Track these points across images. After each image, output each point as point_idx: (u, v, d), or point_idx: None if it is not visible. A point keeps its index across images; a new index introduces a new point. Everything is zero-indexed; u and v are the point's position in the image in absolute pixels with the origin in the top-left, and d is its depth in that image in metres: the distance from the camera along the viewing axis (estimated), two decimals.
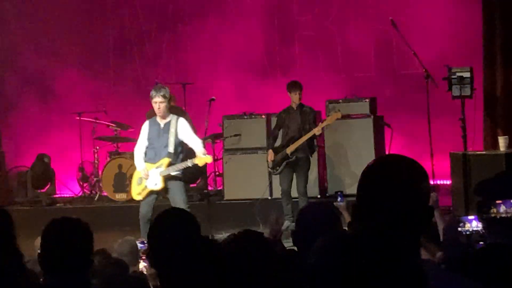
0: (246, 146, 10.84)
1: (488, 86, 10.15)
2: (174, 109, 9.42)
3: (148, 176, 8.19)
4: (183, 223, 3.23)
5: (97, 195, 11.72)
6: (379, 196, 1.98)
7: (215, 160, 11.38)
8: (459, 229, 3.24)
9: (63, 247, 3.14)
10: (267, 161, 9.57)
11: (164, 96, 8.08)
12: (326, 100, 10.82)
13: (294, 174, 9.40)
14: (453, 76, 9.06)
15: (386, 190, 1.98)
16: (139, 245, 5.95)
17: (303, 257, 3.43)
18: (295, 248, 3.96)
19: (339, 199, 6.09)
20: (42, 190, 12.17)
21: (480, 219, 2.65)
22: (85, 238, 3.21)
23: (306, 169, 9.40)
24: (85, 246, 3.20)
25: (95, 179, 11.90)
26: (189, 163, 8.10)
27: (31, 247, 6.12)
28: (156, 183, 8.19)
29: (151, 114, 8.67)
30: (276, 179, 9.99)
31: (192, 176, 11.19)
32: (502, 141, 9.18)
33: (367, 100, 10.69)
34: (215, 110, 11.01)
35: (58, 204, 11.80)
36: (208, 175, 11.44)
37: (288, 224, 9.22)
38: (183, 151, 8.36)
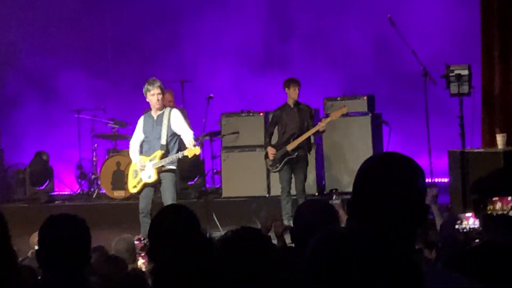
0: (244, 144, 10.84)
1: (486, 83, 10.14)
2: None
3: (144, 168, 8.24)
4: (183, 220, 3.24)
5: (95, 193, 11.73)
6: (374, 193, 1.99)
7: (213, 157, 11.40)
8: (456, 226, 3.24)
9: (60, 243, 3.14)
10: (265, 158, 9.52)
11: (160, 87, 8.16)
12: (324, 97, 10.83)
13: (293, 172, 9.39)
14: (451, 74, 9.06)
15: (382, 187, 1.99)
16: (136, 242, 5.96)
17: (301, 253, 3.43)
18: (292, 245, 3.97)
19: (334, 197, 6.09)
20: (41, 188, 12.17)
21: (477, 216, 2.65)
22: (82, 234, 3.22)
23: (305, 167, 9.40)
24: (82, 242, 3.20)
25: (93, 176, 11.91)
26: (179, 155, 8.15)
27: (29, 244, 6.13)
28: (150, 176, 8.25)
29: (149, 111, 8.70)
30: (274, 177, 9.98)
31: (190, 173, 11.21)
32: (500, 139, 9.18)
33: (365, 97, 10.69)
34: (213, 107, 11.01)
35: (56, 202, 11.81)
36: (206, 172, 11.45)
37: (287, 223, 9.22)
38: (177, 145, 8.37)
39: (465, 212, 3.37)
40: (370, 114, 10.63)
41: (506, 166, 8.20)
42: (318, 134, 9.57)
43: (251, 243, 2.77)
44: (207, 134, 10.77)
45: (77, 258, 3.16)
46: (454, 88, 9.06)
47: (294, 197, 9.34)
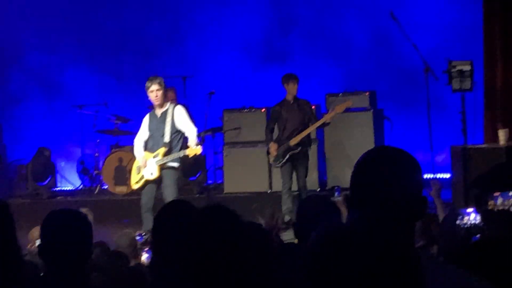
0: (246, 140, 10.84)
1: (488, 79, 10.14)
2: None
3: (146, 164, 8.29)
4: (186, 215, 3.24)
5: (98, 188, 11.74)
6: (371, 187, 1.99)
7: (215, 153, 11.40)
8: (457, 222, 3.24)
9: (62, 238, 3.15)
10: (268, 154, 9.51)
11: (159, 84, 8.20)
12: (326, 93, 10.83)
13: (294, 167, 9.38)
14: (453, 70, 9.04)
15: (378, 181, 1.99)
16: (137, 238, 5.98)
17: (304, 248, 3.44)
18: (294, 242, 3.98)
19: (336, 193, 6.10)
20: (43, 183, 12.19)
21: (478, 211, 2.65)
22: (84, 229, 3.22)
23: (306, 162, 9.40)
24: (84, 238, 3.21)
25: (95, 172, 11.92)
26: (181, 153, 8.20)
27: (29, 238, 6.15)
28: (152, 173, 8.30)
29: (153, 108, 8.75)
30: (275, 173, 9.98)
31: (192, 169, 11.22)
32: (502, 134, 9.18)
33: (367, 93, 10.69)
34: (215, 103, 11.02)
35: (58, 197, 11.84)
36: (208, 168, 11.46)
37: (288, 218, 9.22)
38: (181, 142, 8.41)
39: (466, 207, 3.37)
40: (372, 110, 10.62)
41: (509, 161, 8.20)
42: (322, 126, 9.55)
43: (251, 236, 2.78)
44: (208, 130, 10.76)
45: (79, 254, 3.17)
46: (456, 84, 9.05)
47: (295, 193, 9.35)
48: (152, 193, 8.36)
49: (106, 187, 11.59)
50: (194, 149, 8.10)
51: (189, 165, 11.11)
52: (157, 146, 8.36)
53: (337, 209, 3.80)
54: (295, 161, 9.34)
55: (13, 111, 13.29)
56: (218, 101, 11.19)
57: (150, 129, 8.43)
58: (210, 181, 11.43)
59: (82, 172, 12.25)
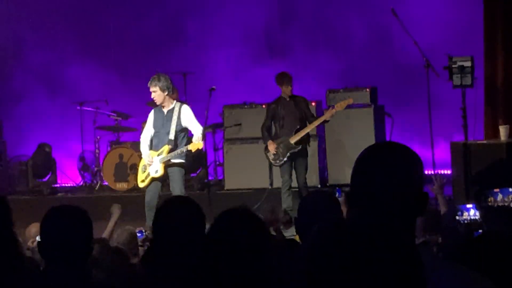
0: (247, 136, 10.84)
1: (489, 75, 10.13)
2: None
3: (151, 162, 8.33)
4: (188, 212, 3.24)
5: (98, 185, 11.75)
6: (372, 183, 1.99)
7: (215, 149, 11.40)
8: (457, 217, 3.24)
9: (62, 235, 3.15)
10: (266, 153, 9.48)
11: (156, 85, 8.23)
12: (327, 89, 10.82)
13: (295, 165, 9.37)
14: (454, 65, 9.04)
15: (379, 177, 1.99)
16: (138, 235, 5.98)
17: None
18: (295, 238, 3.98)
19: (337, 194, 6.09)
20: (43, 180, 12.19)
21: (478, 207, 2.65)
22: (84, 226, 3.22)
23: (306, 160, 9.39)
24: (84, 234, 3.21)
25: (95, 168, 11.92)
26: (183, 149, 8.24)
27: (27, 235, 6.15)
28: (157, 170, 8.34)
29: (153, 103, 8.77)
30: (276, 169, 9.98)
31: (193, 165, 11.22)
32: (502, 130, 9.18)
33: (368, 89, 10.68)
34: (216, 99, 11.00)
35: (59, 194, 11.84)
36: (208, 164, 11.46)
37: (288, 217, 9.20)
38: (186, 139, 8.45)
39: (466, 203, 3.38)
40: (373, 106, 10.62)
41: (509, 158, 8.20)
42: (322, 124, 9.54)
43: (251, 229, 2.78)
44: (209, 126, 10.76)
45: (79, 250, 3.17)
46: (456, 80, 9.05)
47: (294, 190, 9.34)
48: (156, 191, 8.42)
49: (106, 183, 11.59)
50: (196, 143, 8.15)
51: (190, 162, 11.11)
52: (162, 143, 8.40)
53: (338, 205, 3.80)
54: (295, 159, 9.33)
55: (14, 107, 13.29)
56: (219, 97, 11.18)
57: (155, 126, 8.46)
58: (210, 178, 11.43)
59: (83, 169, 12.25)
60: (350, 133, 10.51)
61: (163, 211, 3.29)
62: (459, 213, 3.27)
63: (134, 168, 10.30)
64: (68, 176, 12.68)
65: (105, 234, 6.05)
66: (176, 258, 3.02)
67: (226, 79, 12.26)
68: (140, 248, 5.96)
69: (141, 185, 8.66)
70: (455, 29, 11.51)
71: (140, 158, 8.88)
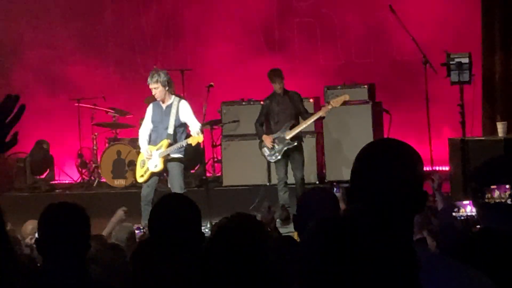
0: (245, 132, 10.83)
1: (486, 71, 10.14)
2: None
3: (151, 157, 8.35)
4: (184, 209, 3.25)
5: (96, 181, 11.74)
6: (372, 180, 1.99)
7: (213, 146, 11.40)
8: (454, 214, 3.24)
9: (60, 231, 3.15)
10: (261, 149, 9.47)
11: (157, 82, 8.22)
12: (325, 86, 10.81)
13: (289, 161, 9.37)
14: (451, 62, 9.05)
15: (379, 174, 1.99)
16: (136, 231, 5.98)
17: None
18: (293, 235, 3.98)
19: (335, 190, 6.09)
20: (41, 176, 12.19)
21: (474, 204, 2.65)
22: (82, 222, 3.22)
23: (302, 155, 9.38)
24: (82, 230, 3.21)
25: (93, 165, 11.92)
26: (183, 143, 8.26)
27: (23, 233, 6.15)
28: (156, 165, 8.36)
29: (150, 100, 8.79)
30: (274, 166, 9.97)
31: (191, 162, 11.21)
32: (500, 127, 9.19)
33: (366, 86, 10.68)
34: (214, 96, 10.99)
35: (57, 190, 11.84)
36: (206, 161, 11.46)
37: (286, 214, 9.20)
38: (185, 134, 8.46)
39: (463, 199, 3.38)
40: (371, 103, 10.61)
41: (506, 154, 8.21)
42: (317, 120, 9.53)
43: (247, 229, 2.79)
44: (207, 123, 10.75)
45: (77, 247, 3.17)
46: (454, 76, 9.06)
47: (291, 186, 9.34)
48: (153, 186, 8.45)
49: (104, 180, 11.59)
50: (196, 137, 8.17)
51: (188, 158, 11.10)
52: (160, 138, 8.41)
53: (337, 201, 3.81)
54: (290, 155, 9.32)
55: (18, 122, 13.26)
56: (217, 94, 11.16)
57: (153, 121, 8.47)
58: (208, 174, 11.43)
59: (81, 165, 12.25)
60: (348, 130, 10.51)
61: (158, 209, 3.30)
62: (456, 209, 3.27)
63: (132, 164, 10.29)
64: (66, 173, 12.68)
65: (104, 233, 6.05)
66: (172, 255, 3.02)
67: (224, 76, 12.25)
68: None
69: (140, 180, 8.67)
70: (453, 25, 11.51)
71: (138, 154, 8.89)
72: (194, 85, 11.70)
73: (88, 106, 12.12)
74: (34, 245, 4.07)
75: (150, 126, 8.53)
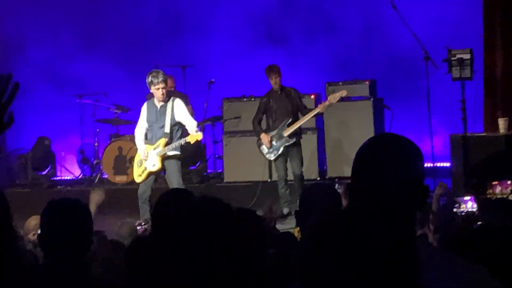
0: (246, 129, 10.81)
1: (488, 68, 10.12)
2: (174, 93, 9.48)
3: (147, 157, 8.32)
4: (185, 204, 3.25)
5: (97, 178, 11.75)
6: (373, 175, 1.99)
7: (214, 142, 11.40)
8: (455, 209, 3.25)
9: (62, 227, 3.16)
10: (259, 146, 9.47)
11: (164, 80, 8.22)
12: (326, 82, 10.81)
13: (288, 158, 9.37)
14: (453, 58, 9.04)
15: (380, 169, 1.99)
16: (138, 228, 5.98)
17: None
18: (293, 231, 3.99)
19: (336, 185, 6.09)
20: (43, 173, 12.20)
21: (476, 200, 2.66)
22: (84, 219, 3.23)
23: (300, 152, 9.37)
24: (84, 226, 3.22)
25: (95, 161, 11.92)
26: (182, 141, 8.25)
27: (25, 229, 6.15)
28: (154, 164, 8.35)
29: (150, 96, 8.76)
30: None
31: (192, 158, 11.22)
32: (502, 123, 9.19)
33: (367, 82, 10.67)
34: (215, 92, 11.00)
35: (58, 187, 11.84)
36: (207, 157, 11.46)
37: (287, 210, 9.21)
38: (180, 131, 8.44)
39: (464, 195, 3.38)
40: (372, 99, 10.61)
41: (508, 150, 8.21)
42: (315, 116, 9.52)
43: (247, 223, 2.80)
44: (208, 119, 10.77)
45: (78, 243, 3.18)
46: (456, 72, 9.04)
47: (291, 182, 9.34)
48: (150, 184, 8.45)
49: (106, 176, 11.60)
50: (195, 135, 8.15)
51: (189, 155, 11.11)
52: (156, 137, 8.39)
53: (339, 197, 3.81)
54: (289, 152, 9.32)
55: (13, 100, 13.27)
56: (218, 90, 11.17)
57: (148, 120, 8.44)
58: (210, 170, 11.44)
59: (82, 162, 12.26)
60: (349, 126, 10.51)
61: (162, 204, 3.30)
62: (457, 205, 3.27)
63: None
64: (68, 169, 12.69)
65: None
66: (176, 250, 3.02)
67: (225, 72, 12.25)
68: None
69: (138, 179, 8.65)
70: (454, 21, 11.50)
71: None
72: (196, 82, 11.71)
73: (90, 102, 12.13)
74: (37, 241, 4.08)
75: (146, 125, 8.51)
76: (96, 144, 12.04)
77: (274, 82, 9.24)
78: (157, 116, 8.37)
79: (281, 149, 9.30)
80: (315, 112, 9.20)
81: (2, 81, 2.01)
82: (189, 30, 13.19)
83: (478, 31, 10.31)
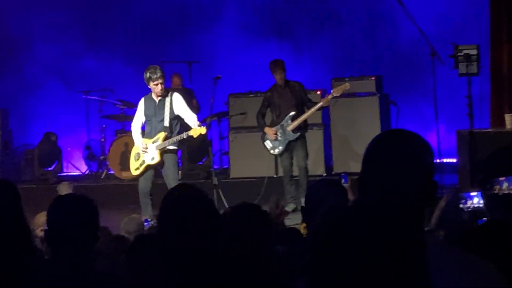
0: (252, 125, 10.81)
1: (495, 63, 10.10)
2: (180, 90, 9.48)
3: (146, 150, 8.30)
4: (195, 198, 3.26)
5: (104, 173, 11.77)
6: (383, 170, 1.98)
7: (221, 138, 11.41)
8: (461, 205, 3.23)
9: (68, 223, 3.16)
10: (265, 141, 9.46)
11: (162, 75, 8.23)
12: (332, 78, 10.80)
13: (294, 153, 9.37)
14: (459, 54, 9.01)
15: (391, 164, 1.98)
16: (145, 223, 5.99)
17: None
18: (299, 227, 3.99)
19: (343, 180, 6.09)
20: (49, 168, 12.22)
21: (483, 196, 2.64)
22: (90, 213, 3.24)
23: (304, 145, 9.35)
24: (90, 222, 3.22)
25: (101, 157, 11.94)
26: (184, 135, 8.23)
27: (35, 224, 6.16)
28: (153, 157, 8.33)
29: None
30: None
31: (198, 154, 11.23)
32: (508, 119, 9.16)
33: (373, 78, 10.66)
34: (221, 88, 10.98)
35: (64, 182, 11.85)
36: (214, 153, 11.46)
37: (293, 206, 9.20)
38: (179, 125, 8.44)
39: (471, 191, 3.37)
40: (378, 95, 10.60)
41: None
42: (319, 110, 9.49)
43: (252, 217, 2.80)
44: (214, 115, 10.76)
45: (85, 238, 3.18)
46: (462, 68, 9.02)
47: (297, 178, 9.34)
48: (149, 178, 8.42)
49: (112, 172, 11.62)
50: (198, 129, 8.12)
51: (195, 150, 11.13)
52: (155, 131, 8.37)
53: (345, 193, 3.81)
54: (293, 146, 9.32)
55: (20, 97, 13.32)
56: (224, 86, 11.16)
57: (146, 115, 8.44)
58: (216, 166, 11.44)
59: (89, 158, 12.28)
60: (356, 122, 10.50)
61: (170, 199, 3.30)
62: (463, 201, 3.26)
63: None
64: (74, 165, 12.71)
65: None
66: (184, 245, 3.03)
67: (231, 68, 12.25)
68: None
69: (135, 173, 8.63)
70: (460, 17, 11.47)
71: None
72: (201, 77, 11.71)
73: (96, 98, 12.15)
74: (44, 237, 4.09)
75: (143, 119, 8.50)
76: (102, 140, 12.05)
77: (279, 77, 9.23)
78: (156, 110, 8.36)
79: (286, 143, 9.28)
80: (319, 106, 9.19)
81: None
82: (195, 25, 13.19)
83: (485, 27, 10.29)
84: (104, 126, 12.10)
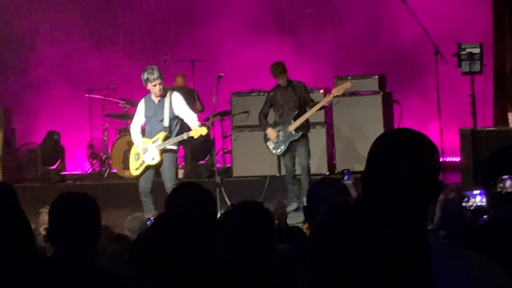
0: (255, 123, 10.80)
1: (498, 62, 10.10)
2: (182, 91, 9.48)
3: (146, 150, 8.30)
4: (200, 196, 3.25)
5: (107, 172, 11.77)
6: (388, 168, 1.98)
7: (223, 137, 11.41)
8: (464, 204, 3.23)
9: (70, 221, 3.17)
10: (267, 141, 9.46)
11: (160, 76, 8.22)
12: (335, 76, 10.79)
13: (296, 152, 9.36)
14: (462, 52, 9.01)
15: (396, 163, 1.98)
16: (148, 222, 5.98)
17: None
18: (302, 227, 3.99)
19: (346, 177, 6.08)
20: (52, 167, 12.23)
21: (486, 194, 2.64)
22: (92, 212, 3.24)
23: (306, 144, 9.34)
24: (92, 220, 3.22)
25: (104, 156, 11.95)
26: (184, 136, 8.22)
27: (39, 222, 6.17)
28: (154, 158, 8.32)
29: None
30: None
31: (201, 153, 11.23)
32: (511, 117, 9.15)
33: (376, 77, 10.65)
34: (224, 87, 10.97)
35: (67, 181, 11.87)
36: (216, 152, 11.46)
37: (296, 205, 9.19)
38: (179, 125, 8.43)
39: (474, 189, 3.37)
40: (381, 93, 10.59)
41: None
42: (321, 109, 9.48)
43: (254, 215, 2.80)
44: (217, 114, 10.76)
45: (87, 237, 3.18)
46: (465, 67, 9.01)
47: (299, 177, 9.33)
48: (150, 178, 8.42)
49: (115, 171, 11.62)
50: (198, 129, 8.12)
51: (198, 149, 11.12)
52: (155, 131, 8.36)
53: (347, 191, 3.81)
54: (295, 146, 9.31)
55: (23, 95, 13.32)
56: (227, 85, 11.15)
57: (146, 115, 8.44)
58: (218, 165, 11.43)
59: (91, 156, 12.29)
60: (359, 121, 10.49)
61: (174, 197, 3.30)
62: (466, 199, 3.26)
63: None
64: (77, 164, 12.72)
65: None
66: (182, 245, 3.02)
67: (234, 66, 12.23)
68: None
69: (135, 173, 8.61)
70: (463, 16, 11.45)
71: None
72: (204, 76, 11.70)
73: (99, 97, 12.15)
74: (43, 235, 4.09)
75: (142, 120, 8.50)
76: (105, 138, 12.06)
77: (282, 81, 9.24)
78: (156, 110, 8.35)
79: (288, 143, 9.28)
80: (320, 105, 9.19)
81: None
82: (198, 24, 13.19)
83: (488, 25, 10.28)
84: (107, 124, 12.11)
